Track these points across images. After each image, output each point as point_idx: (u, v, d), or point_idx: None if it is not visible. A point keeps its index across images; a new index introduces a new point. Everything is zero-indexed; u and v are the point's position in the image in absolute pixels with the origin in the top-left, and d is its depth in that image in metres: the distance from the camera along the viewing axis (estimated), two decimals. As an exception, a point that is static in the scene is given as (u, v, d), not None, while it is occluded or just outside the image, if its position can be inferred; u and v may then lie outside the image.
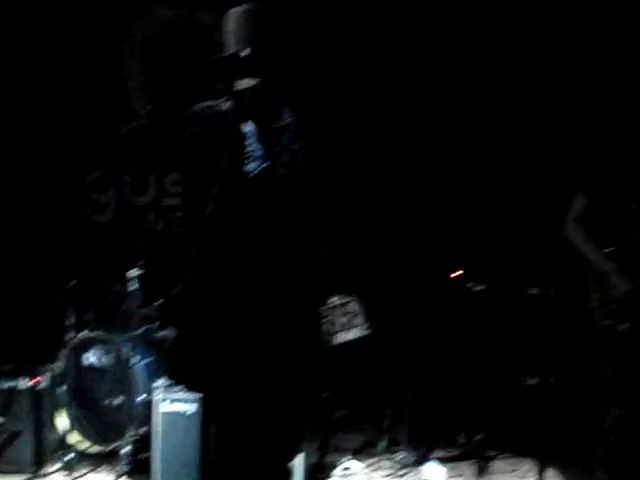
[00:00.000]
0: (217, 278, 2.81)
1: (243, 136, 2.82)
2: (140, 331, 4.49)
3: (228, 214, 2.72)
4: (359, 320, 4.63)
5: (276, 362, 2.90)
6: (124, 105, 5.63)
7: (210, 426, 2.85)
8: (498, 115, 5.52)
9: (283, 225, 2.85)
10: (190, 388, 2.84)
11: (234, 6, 4.38)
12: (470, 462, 4.62)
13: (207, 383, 2.83)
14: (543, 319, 4.87)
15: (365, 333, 4.63)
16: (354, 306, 4.64)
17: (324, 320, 4.41)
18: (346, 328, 4.59)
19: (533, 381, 4.89)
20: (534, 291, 4.94)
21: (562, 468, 4.46)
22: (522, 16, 5.38)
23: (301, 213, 2.89)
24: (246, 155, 2.81)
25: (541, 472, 4.23)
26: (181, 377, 2.85)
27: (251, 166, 2.81)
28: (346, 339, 4.57)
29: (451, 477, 4.50)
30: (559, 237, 3.63)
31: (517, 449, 4.70)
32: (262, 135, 2.86)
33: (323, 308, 4.36)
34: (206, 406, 2.78)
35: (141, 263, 4.54)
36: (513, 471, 4.56)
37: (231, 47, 2.91)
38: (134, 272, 4.53)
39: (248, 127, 2.84)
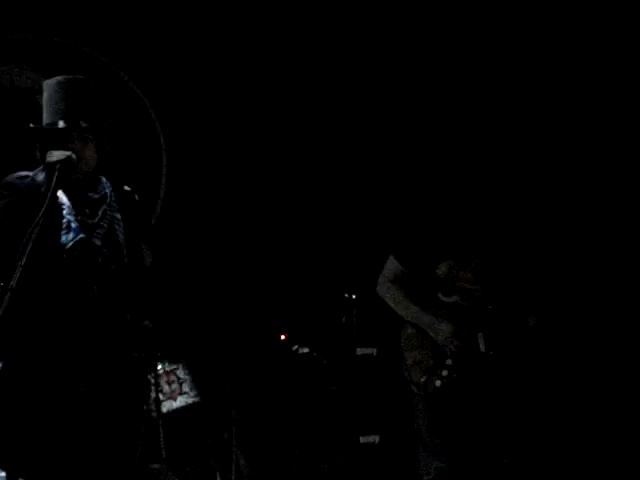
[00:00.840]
0: (24, 351, 2.74)
1: (58, 208, 2.79)
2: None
3: (38, 285, 2.67)
4: (186, 387, 4.59)
5: (95, 435, 2.84)
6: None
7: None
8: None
9: (98, 296, 2.82)
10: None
11: (57, 68, 4.34)
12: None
13: (18, 461, 2.73)
14: (370, 379, 5.02)
15: (193, 401, 4.59)
16: (181, 373, 4.61)
17: (150, 389, 4.35)
18: (173, 396, 4.54)
19: (366, 439, 5.00)
20: (360, 352, 5.08)
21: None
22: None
23: (118, 283, 2.87)
24: (62, 227, 2.78)
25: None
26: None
27: (66, 238, 2.78)
28: (172, 408, 4.52)
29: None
30: (375, 298, 3.76)
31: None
32: (77, 207, 2.84)
33: (149, 376, 4.31)
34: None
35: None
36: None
37: (47, 117, 2.90)
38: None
39: (64, 199, 2.82)
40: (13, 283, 2.42)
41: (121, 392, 2.88)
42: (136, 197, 3.10)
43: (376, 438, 5.00)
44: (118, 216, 2.94)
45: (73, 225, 2.80)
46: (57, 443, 2.75)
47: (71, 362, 2.76)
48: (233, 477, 4.80)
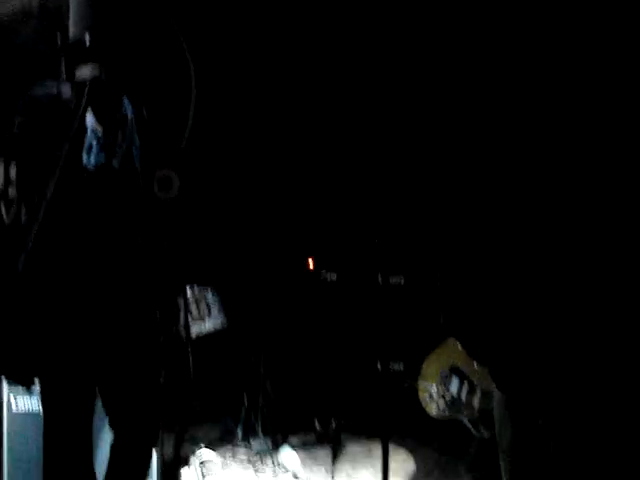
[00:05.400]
0: (50, 276, 2.74)
1: (84, 128, 2.75)
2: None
3: (63, 208, 2.65)
4: (214, 312, 4.62)
5: (121, 357, 2.86)
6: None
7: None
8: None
9: (117, 219, 2.80)
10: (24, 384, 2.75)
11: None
12: (325, 447, 4.74)
13: (45, 381, 2.77)
14: (396, 307, 5.01)
15: (221, 325, 4.62)
16: (209, 297, 4.63)
17: (177, 312, 4.37)
18: (201, 320, 4.57)
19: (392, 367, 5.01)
20: (393, 280, 5.05)
21: (412, 449, 4.64)
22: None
23: (137, 206, 2.84)
24: (86, 148, 2.75)
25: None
26: (17, 375, 2.76)
27: (89, 160, 2.74)
28: (201, 331, 4.55)
29: (307, 462, 4.60)
30: None
31: (370, 432, 4.82)
32: (102, 127, 2.80)
33: (176, 300, 4.32)
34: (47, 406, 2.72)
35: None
36: (367, 453, 4.70)
37: (74, 32, 2.83)
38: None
39: (89, 118, 2.78)
40: (44, 203, 2.39)
41: (142, 316, 2.90)
42: (155, 120, 3.04)
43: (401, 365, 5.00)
44: (137, 141, 2.90)
45: (97, 146, 2.76)
46: (84, 367, 2.78)
47: (91, 286, 2.76)
48: (260, 401, 4.87)
